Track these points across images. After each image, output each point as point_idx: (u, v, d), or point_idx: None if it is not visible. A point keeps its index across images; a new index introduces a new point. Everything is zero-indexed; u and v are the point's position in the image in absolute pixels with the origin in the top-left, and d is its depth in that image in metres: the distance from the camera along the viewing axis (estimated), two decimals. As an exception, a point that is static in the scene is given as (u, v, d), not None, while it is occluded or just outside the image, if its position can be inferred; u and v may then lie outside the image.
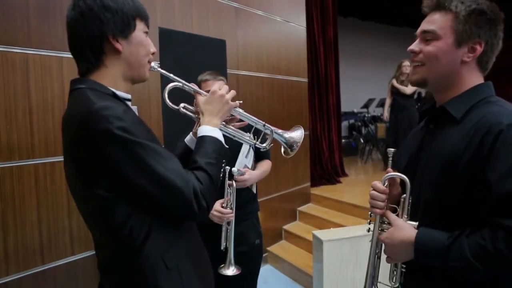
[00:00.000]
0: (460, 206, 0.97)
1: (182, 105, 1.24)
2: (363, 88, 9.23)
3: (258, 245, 2.06)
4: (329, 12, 5.18)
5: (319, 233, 2.92)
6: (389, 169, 1.14)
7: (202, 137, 1.10)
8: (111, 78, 1.03)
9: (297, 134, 1.36)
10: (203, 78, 1.99)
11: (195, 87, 1.24)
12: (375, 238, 1.13)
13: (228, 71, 3.37)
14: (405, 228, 1.03)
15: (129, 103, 1.07)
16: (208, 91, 1.20)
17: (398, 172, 1.12)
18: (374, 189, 1.11)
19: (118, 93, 1.02)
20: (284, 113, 4.11)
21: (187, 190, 0.95)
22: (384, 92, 9.38)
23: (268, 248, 3.89)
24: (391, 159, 1.15)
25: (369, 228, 1.14)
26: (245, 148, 1.92)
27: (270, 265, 3.88)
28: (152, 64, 1.12)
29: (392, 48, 9.38)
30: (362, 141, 8.15)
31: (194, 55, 3.02)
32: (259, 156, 2.06)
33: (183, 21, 2.98)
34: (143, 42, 1.06)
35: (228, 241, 1.82)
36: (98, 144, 0.90)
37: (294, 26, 4.28)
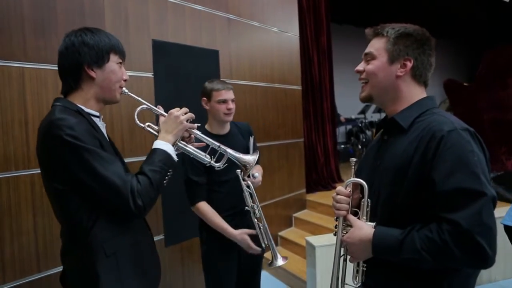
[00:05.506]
0: (412, 205, 1.08)
1: (147, 124, 1.41)
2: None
3: (263, 248, 2.16)
4: (322, 20, 5.27)
5: (312, 238, 2.97)
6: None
7: (153, 149, 1.29)
8: (84, 98, 1.27)
9: (249, 158, 1.51)
10: (215, 87, 2.07)
11: (160, 110, 1.41)
12: (339, 239, 1.21)
13: (221, 81, 3.43)
14: (364, 228, 1.13)
15: (97, 119, 1.30)
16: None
17: (363, 175, 1.22)
18: (338, 193, 1.22)
19: (87, 110, 1.26)
20: (278, 120, 4.18)
21: (124, 189, 1.15)
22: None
23: (264, 254, 3.91)
24: (353, 167, 1.24)
25: (335, 232, 1.20)
26: (251, 149, 2.06)
27: (266, 271, 3.91)
28: (123, 88, 1.34)
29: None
30: (359, 147, 8.20)
31: (187, 65, 3.10)
32: None
33: (176, 32, 3.05)
34: (114, 71, 1.29)
35: (267, 238, 1.95)
36: (53, 147, 1.15)
37: (287, 35, 4.36)
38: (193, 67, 3.14)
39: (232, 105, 2.07)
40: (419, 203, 1.06)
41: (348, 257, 1.20)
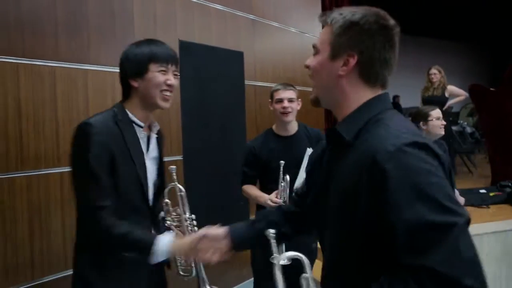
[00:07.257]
0: (363, 249, 0.84)
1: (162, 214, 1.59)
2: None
3: (315, 248, 2.16)
4: (345, 22, 5.20)
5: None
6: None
7: (158, 238, 1.29)
8: (131, 106, 1.42)
9: None
10: (275, 88, 2.22)
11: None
12: None
13: (245, 82, 3.42)
14: None
15: (140, 129, 1.42)
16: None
17: (310, 198, 1.09)
18: None
19: (133, 118, 1.40)
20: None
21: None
22: (405, 102, 9.28)
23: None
24: (274, 241, 1.09)
25: None
26: (305, 162, 2.03)
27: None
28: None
29: (412, 57, 9.34)
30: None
31: (212, 66, 3.10)
32: None
33: (203, 33, 3.06)
34: (154, 79, 1.37)
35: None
36: (72, 145, 1.35)
37: (310, 37, 4.32)
38: (218, 68, 3.14)
39: (287, 104, 2.09)
40: (371, 247, 0.82)
41: None
